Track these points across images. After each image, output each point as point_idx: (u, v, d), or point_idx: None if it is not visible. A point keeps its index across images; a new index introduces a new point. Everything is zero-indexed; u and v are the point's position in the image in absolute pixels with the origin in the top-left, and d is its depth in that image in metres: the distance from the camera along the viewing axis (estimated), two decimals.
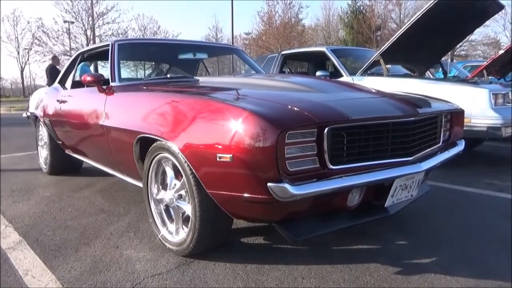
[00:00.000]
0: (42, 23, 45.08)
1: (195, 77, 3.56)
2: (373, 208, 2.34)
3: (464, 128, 2.99)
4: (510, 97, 4.52)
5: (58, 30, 31.35)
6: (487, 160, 5.51)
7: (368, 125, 2.10)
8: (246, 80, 3.22)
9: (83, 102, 3.70)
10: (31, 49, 41.37)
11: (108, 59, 3.49)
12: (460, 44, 25.73)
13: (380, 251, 2.48)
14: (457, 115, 2.86)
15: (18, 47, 45.77)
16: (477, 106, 4.31)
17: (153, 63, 5.02)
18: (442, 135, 2.70)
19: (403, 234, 2.73)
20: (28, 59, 46.35)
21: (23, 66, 48.66)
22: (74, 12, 31.07)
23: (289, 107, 1.99)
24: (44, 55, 33.37)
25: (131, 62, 5.19)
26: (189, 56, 4.43)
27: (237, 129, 1.86)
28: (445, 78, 5.80)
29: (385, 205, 2.29)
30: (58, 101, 4.21)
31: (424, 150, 2.43)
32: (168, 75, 3.54)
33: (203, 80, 3.41)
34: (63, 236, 2.80)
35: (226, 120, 1.94)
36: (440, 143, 2.67)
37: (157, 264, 2.34)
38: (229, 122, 1.92)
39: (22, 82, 53.70)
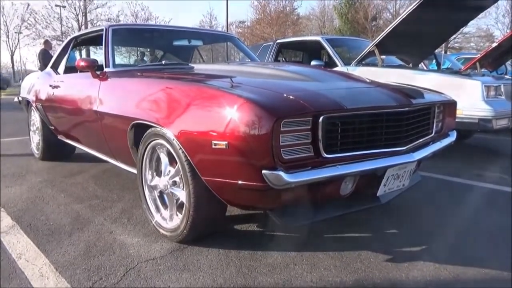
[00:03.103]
0: (28, 5, 44.34)
1: (190, 64, 3.55)
2: (366, 197, 2.37)
3: (456, 120, 3.02)
4: (502, 89, 4.57)
5: (49, 16, 30.83)
6: (477, 151, 5.58)
7: (362, 114, 2.11)
8: (242, 68, 3.22)
9: (77, 87, 3.67)
10: (21, 32, 40.71)
11: (101, 44, 3.46)
12: (454, 36, 25.79)
13: (371, 239, 2.52)
14: (449, 106, 2.89)
15: (8, 31, 44.98)
16: (469, 98, 4.35)
17: (147, 49, 4.98)
18: (434, 125, 2.72)
19: (394, 223, 2.77)
20: (18, 43, 45.63)
21: (13, 50, 47.92)
22: None
23: (285, 95, 2.00)
24: (34, 39, 32.86)
25: (124, 48, 5.14)
26: (184, 43, 4.40)
27: (232, 116, 1.87)
28: (439, 70, 5.84)
29: (377, 194, 2.32)
30: (50, 86, 4.17)
31: (416, 140, 2.46)
32: (163, 62, 3.53)
33: (198, 67, 3.40)
34: (56, 221, 2.80)
35: (221, 107, 1.94)
36: (433, 134, 2.70)
37: (150, 249, 2.36)
38: (224, 109, 1.92)
39: (13, 67, 52.94)
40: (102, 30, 3.56)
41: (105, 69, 3.26)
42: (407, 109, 2.26)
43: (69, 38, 4.66)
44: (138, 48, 4.85)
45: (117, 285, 1.99)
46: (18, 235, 2.57)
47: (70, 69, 4.29)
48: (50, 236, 2.55)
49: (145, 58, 4.96)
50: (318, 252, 2.34)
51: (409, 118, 2.31)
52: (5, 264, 2.21)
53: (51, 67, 4.64)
